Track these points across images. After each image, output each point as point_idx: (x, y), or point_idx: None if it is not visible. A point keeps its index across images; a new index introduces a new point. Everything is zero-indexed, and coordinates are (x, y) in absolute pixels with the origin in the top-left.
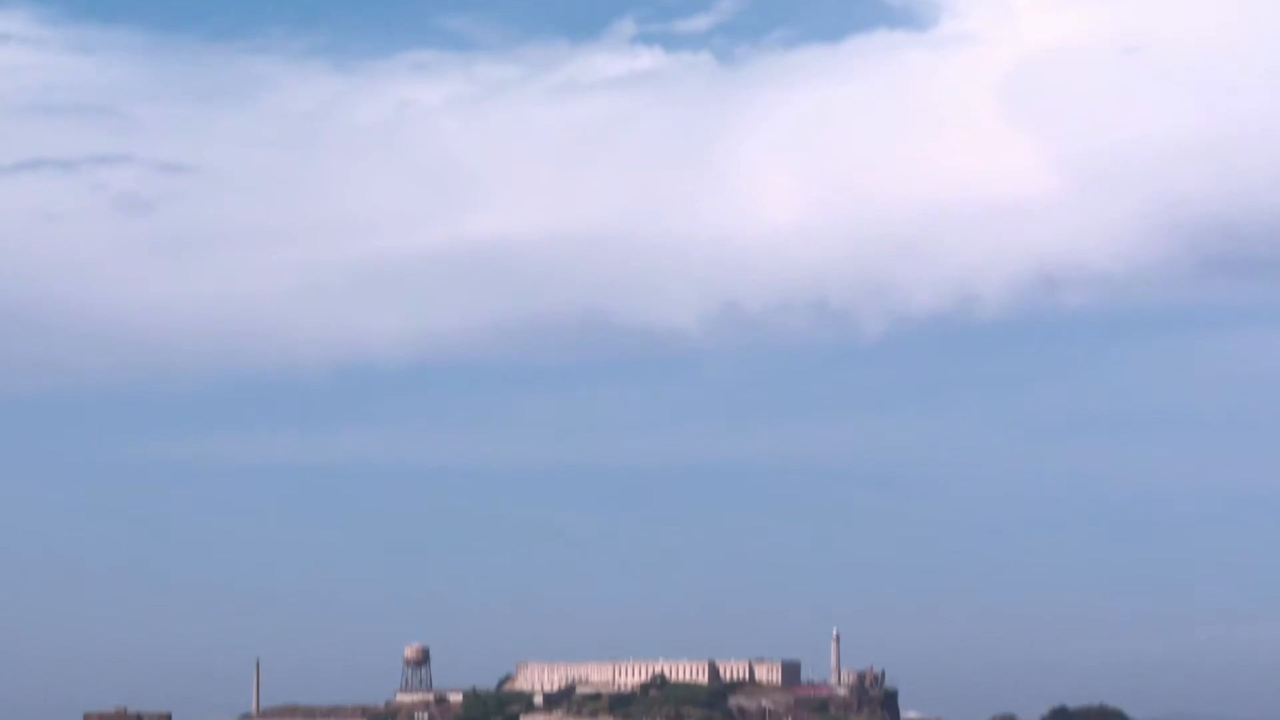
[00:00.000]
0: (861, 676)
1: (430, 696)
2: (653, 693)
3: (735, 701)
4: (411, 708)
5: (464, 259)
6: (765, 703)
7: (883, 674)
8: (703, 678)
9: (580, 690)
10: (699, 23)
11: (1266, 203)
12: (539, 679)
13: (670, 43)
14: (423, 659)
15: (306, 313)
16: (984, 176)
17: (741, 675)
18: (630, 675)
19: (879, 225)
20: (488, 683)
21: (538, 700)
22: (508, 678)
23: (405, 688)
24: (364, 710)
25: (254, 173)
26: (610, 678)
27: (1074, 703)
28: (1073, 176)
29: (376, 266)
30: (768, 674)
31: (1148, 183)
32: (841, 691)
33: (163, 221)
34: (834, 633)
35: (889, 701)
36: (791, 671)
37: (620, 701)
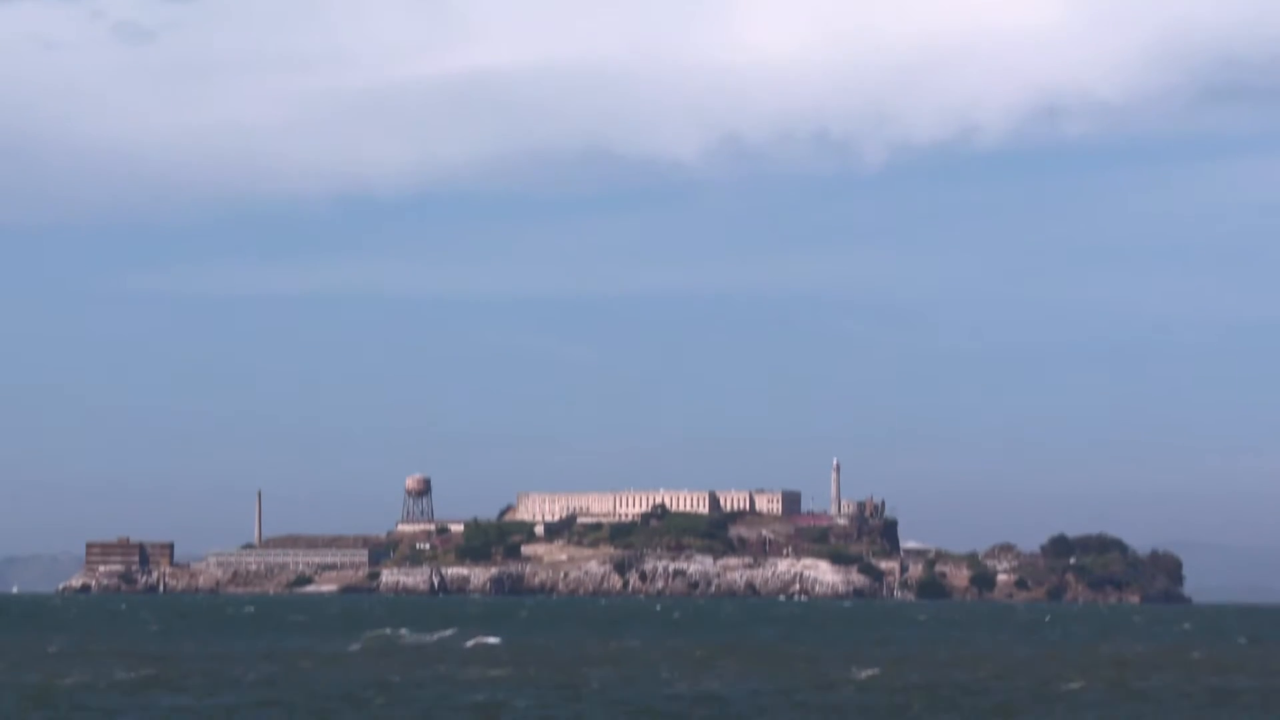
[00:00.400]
0: (861, 506)
1: (431, 527)
2: (653, 523)
3: (736, 531)
4: (413, 538)
5: (464, 90)
6: (766, 532)
7: (882, 504)
8: (703, 508)
9: (581, 520)
10: None
11: (1268, 33)
12: (540, 509)
13: None
14: (424, 490)
15: (306, 143)
16: (986, 6)
17: (742, 505)
18: (631, 505)
19: (880, 55)
20: (489, 513)
21: (539, 530)
22: (509, 508)
23: (406, 518)
24: (365, 540)
25: (254, 1)
26: (611, 508)
27: (1073, 532)
28: (1075, 6)
29: (376, 97)
30: (768, 504)
31: (1150, 12)
32: (841, 521)
33: (162, 50)
34: (834, 463)
35: (889, 531)
36: (792, 502)
37: (621, 531)
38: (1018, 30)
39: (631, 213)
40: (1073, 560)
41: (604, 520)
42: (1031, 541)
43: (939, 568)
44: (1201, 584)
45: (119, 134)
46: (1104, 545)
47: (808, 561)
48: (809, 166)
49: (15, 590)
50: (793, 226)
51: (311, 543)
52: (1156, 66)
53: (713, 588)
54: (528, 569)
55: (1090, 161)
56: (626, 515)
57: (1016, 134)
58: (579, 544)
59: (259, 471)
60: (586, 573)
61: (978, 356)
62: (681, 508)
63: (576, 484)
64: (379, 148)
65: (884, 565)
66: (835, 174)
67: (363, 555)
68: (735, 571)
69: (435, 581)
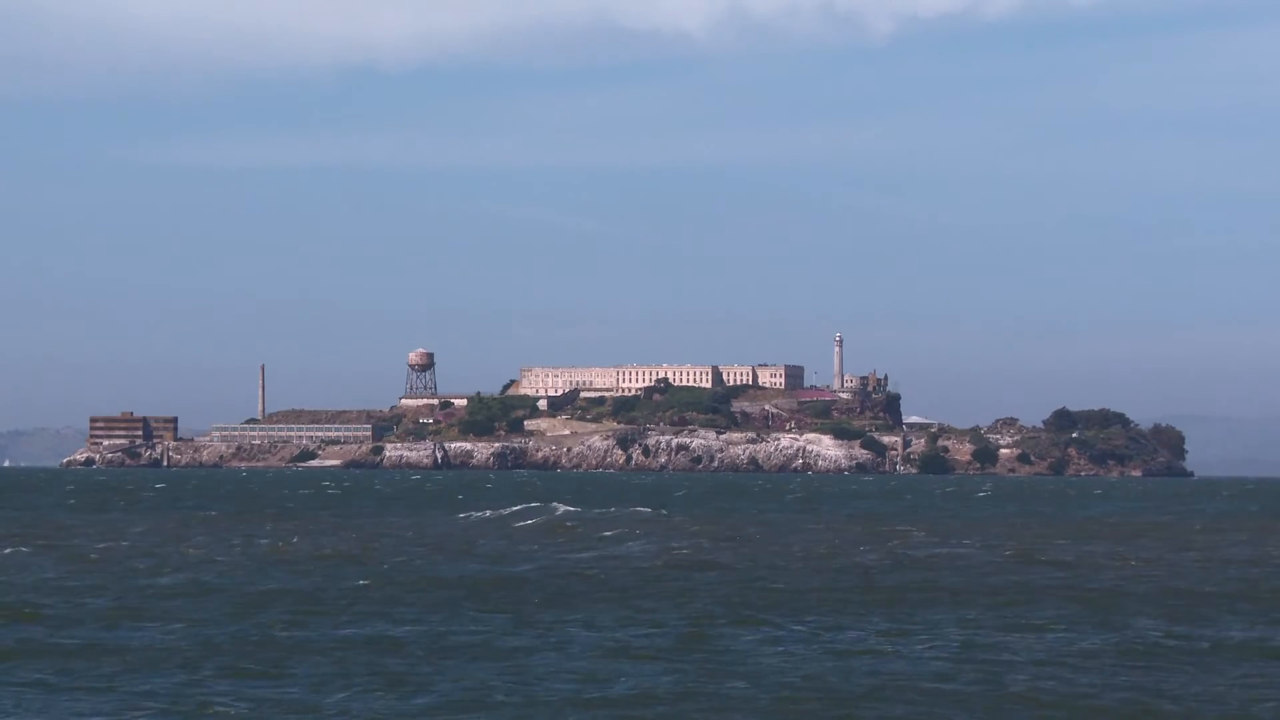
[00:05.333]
0: (864, 381)
1: (434, 401)
2: (656, 397)
3: (739, 405)
4: (416, 412)
5: None
6: (768, 407)
7: (885, 378)
8: (706, 382)
9: (584, 395)
10: None
11: None
12: (542, 384)
13: None
14: (427, 364)
15: (310, 13)
16: None
17: (745, 380)
18: (634, 380)
19: None
20: (492, 388)
21: (542, 405)
22: (511, 383)
23: (410, 392)
24: (369, 415)
25: None
26: (614, 382)
27: (1076, 406)
28: None
29: None
30: (771, 379)
31: None
32: (844, 396)
33: None
34: (837, 338)
35: (891, 405)
36: (795, 376)
37: (624, 406)
38: None
39: (637, 85)
40: (1075, 434)
41: (607, 395)
42: (1034, 416)
43: (941, 442)
44: (1203, 457)
45: (122, 6)
46: (1106, 419)
47: (810, 436)
48: (816, 38)
49: (6, 464)
50: (798, 99)
51: (315, 417)
52: None
53: (715, 462)
54: (530, 443)
55: (1099, 32)
56: (629, 390)
57: (1025, 5)
58: (582, 418)
59: (262, 346)
60: (589, 447)
61: (982, 229)
62: (684, 382)
63: (579, 358)
64: (383, 17)
65: (886, 440)
66: (842, 46)
67: (366, 430)
68: (738, 446)
69: (439, 456)
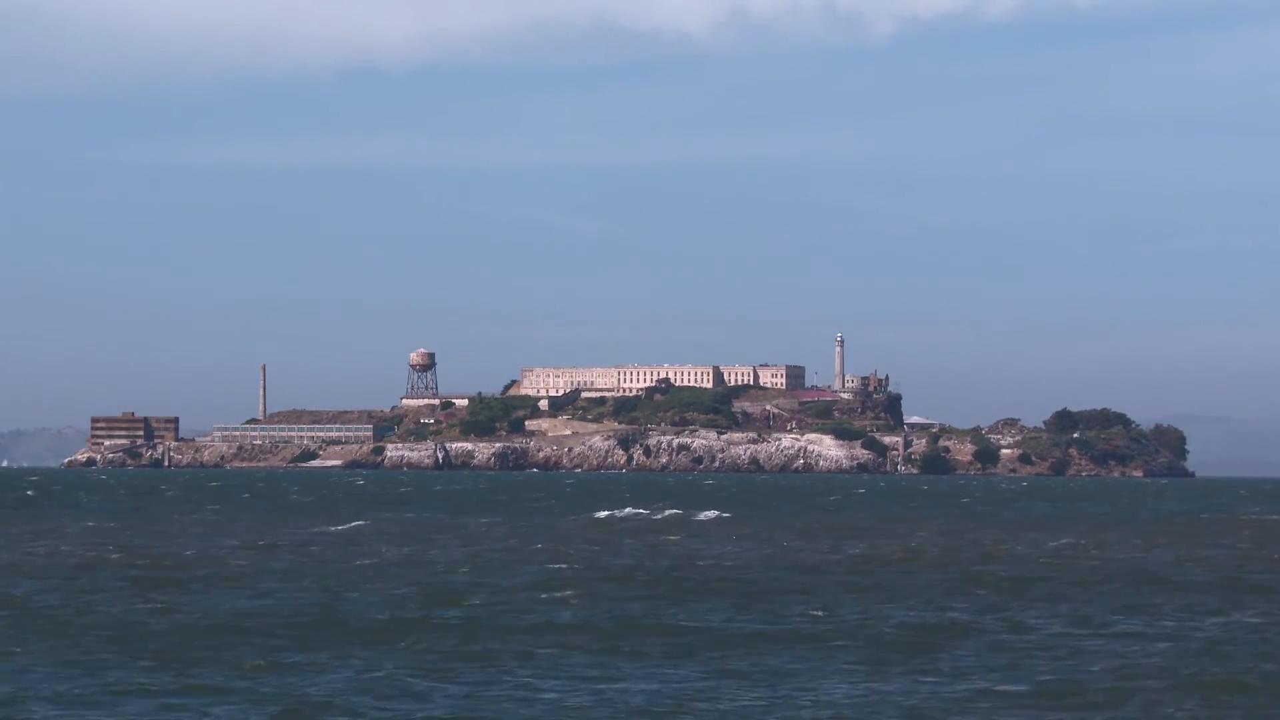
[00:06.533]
0: (865, 381)
1: (436, 401)
2: (658, 397)
3: (740, 406)
4: (417, 413)
5: None
6: (770, 407)
7: (886, 379)
8: (708, 382)
9: (585, 395)
10: None
11: None
12: (544, 384)
13: None
14: (428, 364)
15: (311, 13)
16: None
17: (746, 380)
18: (635, 380)
19: None
20: (493, 388)
21: (543, 405)
22: (513, 383)
23: (411, 393)
24: (370, 415)
25: None
26: (615, 383)
27: (1077, 407)
28: None
29: None
30: (772, 379)
31: None
32: (845, 396)
33: None
34: (838, 338)
35: (892, 406)
36: (796, 376)
37: (625, 406)
38: None
39: (637, 86)
40: (1076, 434)
41: (608, 395)
42: (1035, 417)
43: (943, 442)
44: (1203, 457)
45: (123, 6)
46: (1107, 420)
47: (812, 436)
48: (816, 39)
49: (5, 464)
50: (798, 99)
51: (316, 417)
52: None
53: (716, 463)
54: (531, 444)
55: (1100, 33)
56: (630, 390)
57: (1025, 5)
58: (583, 419)
59: (263, 346)
60: (591, 448)
61: (983, 229)
62: (686, 382)
63: (580, 358)
64: (385, 18)
65: (888, 440)
66: (842, 46)
67: (367, 430)
68: (739, 446)
69: (440, 456)
